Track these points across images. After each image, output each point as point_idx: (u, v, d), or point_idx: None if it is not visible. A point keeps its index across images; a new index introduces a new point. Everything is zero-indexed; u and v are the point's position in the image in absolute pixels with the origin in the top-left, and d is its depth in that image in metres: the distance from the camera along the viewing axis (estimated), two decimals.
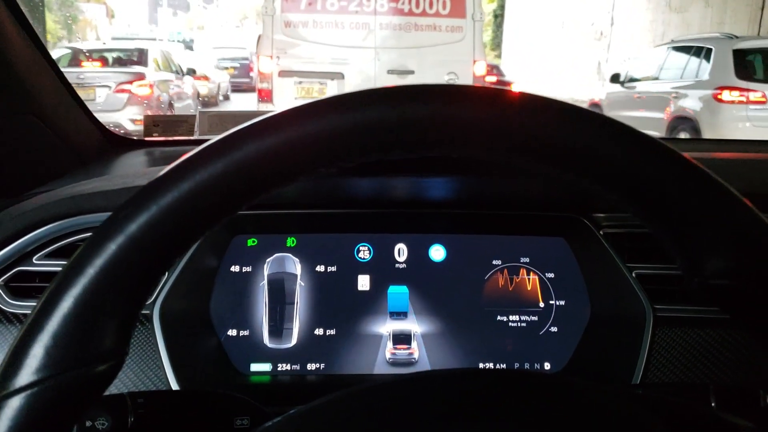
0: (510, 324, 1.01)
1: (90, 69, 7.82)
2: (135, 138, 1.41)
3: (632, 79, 8.47)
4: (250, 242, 1.01)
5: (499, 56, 24.47)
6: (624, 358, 0.93)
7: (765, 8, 11.62)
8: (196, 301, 0.97)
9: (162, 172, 0.39)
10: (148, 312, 0.91)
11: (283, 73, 6.75)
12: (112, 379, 0.39)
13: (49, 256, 0.92)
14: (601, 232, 0.97)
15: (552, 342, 1.01)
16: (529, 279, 1.03)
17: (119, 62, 8.26)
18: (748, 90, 6.40)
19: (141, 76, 7.64)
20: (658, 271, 0.95)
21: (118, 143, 1.36)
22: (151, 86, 7.73)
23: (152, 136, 1.38)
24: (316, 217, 1.01)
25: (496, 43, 24.77)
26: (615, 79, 8.70)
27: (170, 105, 8.60)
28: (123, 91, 7.22)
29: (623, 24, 15.96)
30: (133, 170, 1.17)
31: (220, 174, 0.38)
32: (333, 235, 1.02)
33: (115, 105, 7.08)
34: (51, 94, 1.15)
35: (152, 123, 1.39)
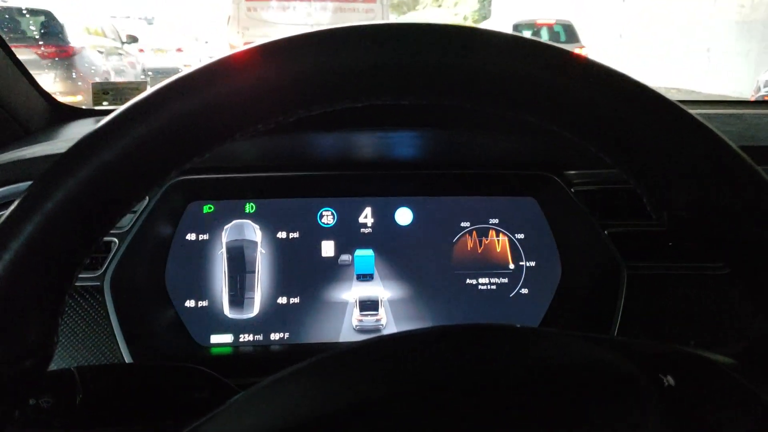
0: (479, 287, 0.98)
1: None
2: (84, 107, 1.33)
3: None
4: (207, 209, 0.95)
5: None
6: (597, 318, 0.91)
7: None
8: (150, 271, 0.91)
9: (78, 140, 0.33)
10: (98, 283, 0.85)
11: (247, 44, 9.66)
12: (42, 373, 0.34)
13: None
14: (572, 190, 0.94)
15: (523, 304, 0.98)
16: (498, 240, 0.99)
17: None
18: None
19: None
20: (631, 228, 0.92)
21: (66, 113, 1.29)
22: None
23: (101, 105, 1.31)
24: (275, 181, 0.96)
25: (482, 15, 24.54)
26: None
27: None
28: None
29: None
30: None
31: (140, 139, 0.33)
32: (294, 199, 0.97)
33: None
34: None
35: (101, 91, 1.32)
